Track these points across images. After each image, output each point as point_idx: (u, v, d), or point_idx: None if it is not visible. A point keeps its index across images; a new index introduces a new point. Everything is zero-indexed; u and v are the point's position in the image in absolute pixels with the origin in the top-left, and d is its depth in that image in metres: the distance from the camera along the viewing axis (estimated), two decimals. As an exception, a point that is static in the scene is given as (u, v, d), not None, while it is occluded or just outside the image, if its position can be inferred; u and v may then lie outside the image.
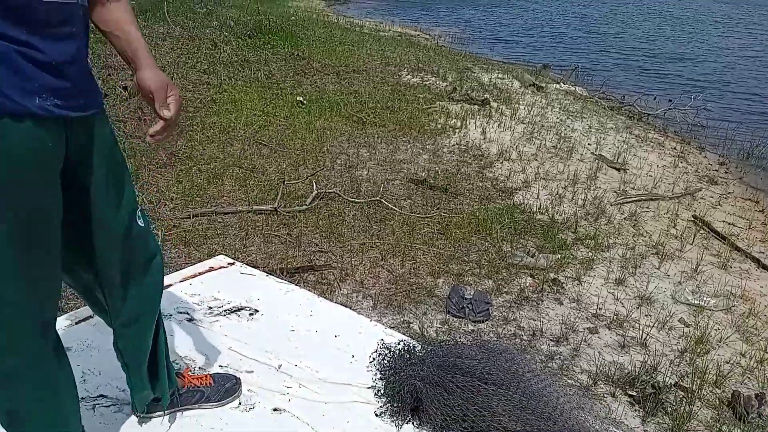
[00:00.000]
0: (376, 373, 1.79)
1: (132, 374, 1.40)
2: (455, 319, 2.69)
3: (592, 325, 2.76)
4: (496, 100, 6.73)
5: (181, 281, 2.25)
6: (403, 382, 1.63)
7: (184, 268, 2.42)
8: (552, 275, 3.17)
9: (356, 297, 2.76)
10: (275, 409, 1.64)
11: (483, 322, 2.69)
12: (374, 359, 1.83)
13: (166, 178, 3.76)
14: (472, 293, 2.86)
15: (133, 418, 1.53)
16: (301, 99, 5.87)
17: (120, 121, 4.50)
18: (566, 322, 2.74)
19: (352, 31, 12.71)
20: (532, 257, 3.30)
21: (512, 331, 2.64)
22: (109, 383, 1.65)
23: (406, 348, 1.84)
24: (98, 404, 1.59)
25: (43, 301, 1.09)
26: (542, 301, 2.93)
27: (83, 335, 1.86)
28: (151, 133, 1.18)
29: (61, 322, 1.89)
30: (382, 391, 1.73)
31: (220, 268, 2.39)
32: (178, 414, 1.56)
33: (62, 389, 1.17)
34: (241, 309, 2.10)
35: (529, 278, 3.14)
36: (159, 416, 1.54)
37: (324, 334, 2.00)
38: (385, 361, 1.81)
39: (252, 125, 4.91)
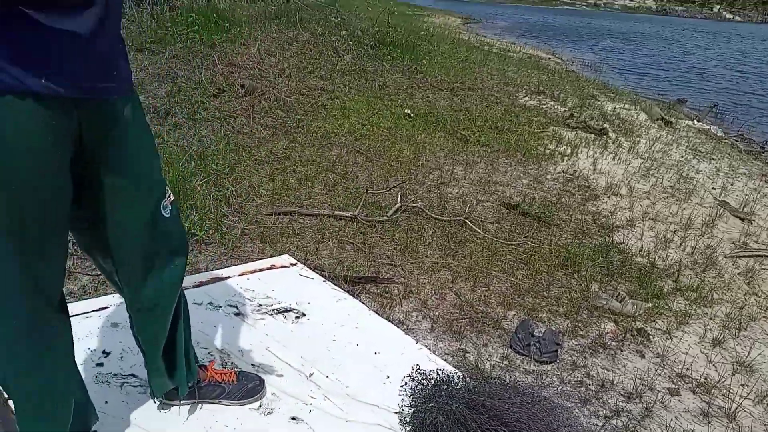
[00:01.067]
0: (404, 399, 1.70)
1: (148, 360, 1.42)
2: (518, 356, 2.51)
3: (673, 386, 2.46)
4: (615, 131, 6.33)
5: (239, 275, 2.29)
6: (426, 414, 1.53)
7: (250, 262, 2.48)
8: (639, 324, 2.87)
9: (416, 316, 2.66)
10: (293, 418, 1.60)
11: (548, 363, 2.49)
12: (406, 383, 1.74)
13: (260, 175, 3.90)
14: (542, 331, 2.66)
15: (154, 403, 1.56)
16: (409, 112, 5.88)
17: (231, 116, 4.75)
18: (644, 378, 2.46)
19: (479, 49, 12.61)
20: (619, 302, 3.02)
21: (579, 378, 2.42)
22: (143, 364, 1.70)
23: (441, 377, 1.73)
24: (127, 383, 1.63)
25: (41, 276, 1.10)
26: (621, 351, 2.66)
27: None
28: None
29: (112, 300, 1.98)
30: (407, 419, 1.63)
31: (281, 267, 2.41)
32: (197, 406, 1.57)
33: (61, 357, 1.20)
34: (289, 311, 2.10)
35: (611, 324, 2.87)
36: (177, 405, 1.56)
37: (365, 348, 1.94)
38: (417, 388, 1.71)
39: (354, 133, 4.97)
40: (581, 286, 3.15)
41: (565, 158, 5.30)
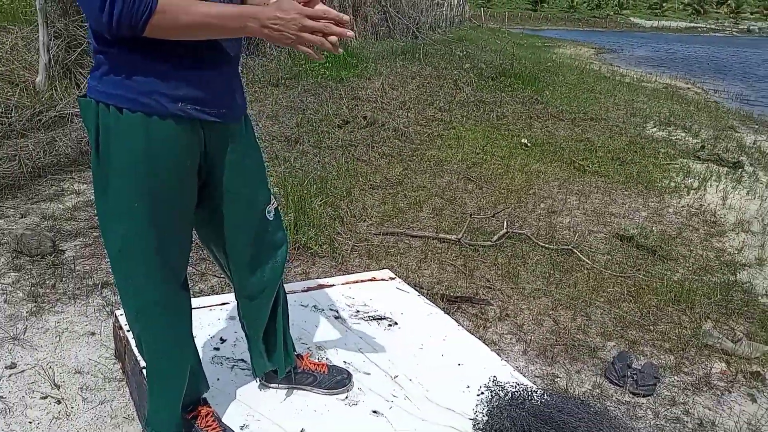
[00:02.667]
0: (480, 407, 1.78)
1: (251, 343, 1.66)
2: (612, 386, 2.47)
3: (788, 436, 2.29)
4: (753, 164, 5.89)
5: (343, 284, 2.51)
6: (494, 420, 1.61)
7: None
8: (755, 368, 2.69)
9: (509, 338, 2.71)
10: (374, 412, 1.75)
11: (644, 396, 2.43)
12: (483, 393, 1.83)
13: (373, 198, 4.16)
14: (641, 364, 2.60)
15: (256, 383, 1.80)
16: (526, 141, 5.90)
17: (352, 145, 5.10)
18: (752, 423, 2.31)
19: (608, 79, 12.24)
20: (734, 342, 2.85)
21: (676, 415, 2.33)
22: (251, 352, 1.95)
23: (518, 390, 1.80)
24: (236, 366, 1.89)
25: (171, 259, 1.38)
26: (729, 393, 2.52)
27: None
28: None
29: (232, 297, 2.28)
30: (480, 426, 1.72)
31: (381, 280, 2.60)
32: (291, 390, 1.78)
33: (183, 326, 1.48)
34: (383, 318, 2.27)
35: (722, 364, 2.71)
36: (275, 387, 1.78)
37: (449, 359, 2.06)
38: (494, 398, 1.80)
39: (467, 161, 5.11)
40: (693, 324, 3.01)
41: (692, 191, 5.03)
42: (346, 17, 1.16)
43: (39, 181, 3.69)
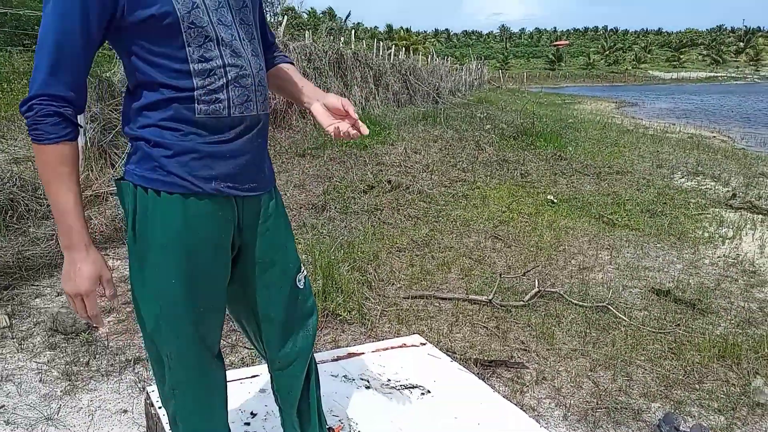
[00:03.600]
0: (521, 479, 1.70)
1: (284, 415, 1.63)
2: (660, 451, 2.34)
3: None
4: (789, 211, 5.74)
5: (373, 351, 2.47)
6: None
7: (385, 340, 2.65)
8: (815, 426, 2.53)
9: (548, 403, 2.61)
10: (411, 487, 1.68)
11: (696, 461, 2.29)
12: (523, 464, 1.75)
13: (401, 261, 4.15)
14: (690, 426, 2.46)
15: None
16: (552, 198, 5.88)
17: (378, 209, 5.14)
18: (818, 489, 2.15)
19: (631, 132, 12.27)
20: (789, 399, 2.69)
21: (733, 481, 2.19)
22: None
23: (559, 460, 1.72)
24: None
25: (207, 333, 1.38)
26: (790, 455, 2.36)
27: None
28: (336, 132, 1.41)
29: (262, 370, 2.26)
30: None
31: (412, 346, 2.56)
32: (325, 465, 1.72)
33: (217, 400, 1.47)
34: (415, 387, 2.21)
35: (778, 423, 2.56)
36: None
37: (486, 428, 1.98)
38: (535, 469, 1.72)
39: (493, 220, 5.10)
40: (741, 380, 2.87)
41: (727, 241, 4.91)
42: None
43: (75, 259, 3.78)
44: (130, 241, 1.30)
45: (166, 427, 1.86)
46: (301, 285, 1.52)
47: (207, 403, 1.44)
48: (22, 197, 4.10)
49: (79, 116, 1.22)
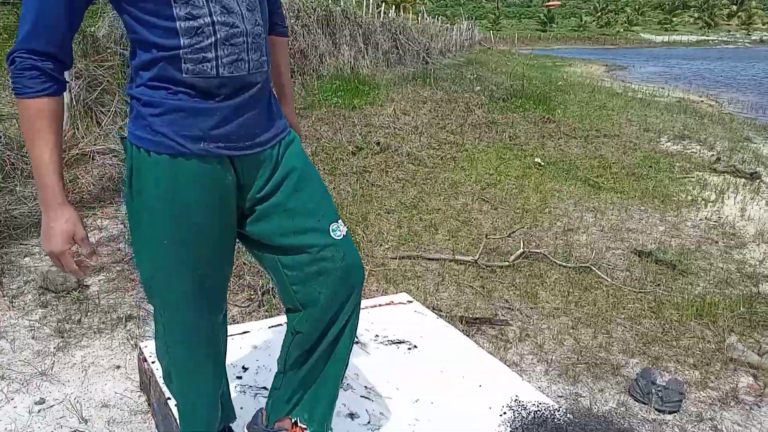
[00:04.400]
0: (502, 427, 1.78)
1: (282, 384, 1.55)
2: (636, 404, 2.44)
3: (821, 450, 2.24)
4: (771, 175, 5.84)
5: (361, 309, 2.53)
6: (517, 440, 1.61)
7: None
8: (784, 381, 2.64)
9: (530, 359, 2.70)
10: (397, 436, 1.76)
11: (670, 413, 2.40)
12: (505, 413, 1.83)
13: (389, 223, 4.19)
14: (666, 380, 2.57)
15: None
16: (539, 160, 5.92)
17: (366, 171, 5.15)
18: (784, 438, 2.27)
19: (620, 96, 12.26)
20: (760, 355, 2.81)
21: (704, 431, 2.30)
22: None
23: (539, 409, 1.80)
24: (259, 394, 1.91)
25: (203, 295, 1.37)
26: (759, 407, 2.47)
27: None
28: None
29: (252, 326, 2.31)
30: (503, 447, 1.72)
31: (399, 303, 2.62)
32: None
33: (216, 357, 1.48)
34: (402, 342, 2.28)
35: (749, 378, 2.67)
36: None
37: (470, 380, 2.06)
38: (516, 418, 1.80)
39: (481, 182, 5.14)
40: (717, 338, 2.97)
41: (709, 204, 5.00)
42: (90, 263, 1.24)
43: (63, 219, 3.78)
44: (128, 197, 1.31)
45: (160, 381, 1.91)
46: (336, 236, 1.40)
47: (201, 362, 1.45)
48: (8, 156, 4.06)
49: (65, 73, 1.21)
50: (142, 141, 1.24)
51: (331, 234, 1.39)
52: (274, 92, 1.52)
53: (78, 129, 4.71)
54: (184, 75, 1.19)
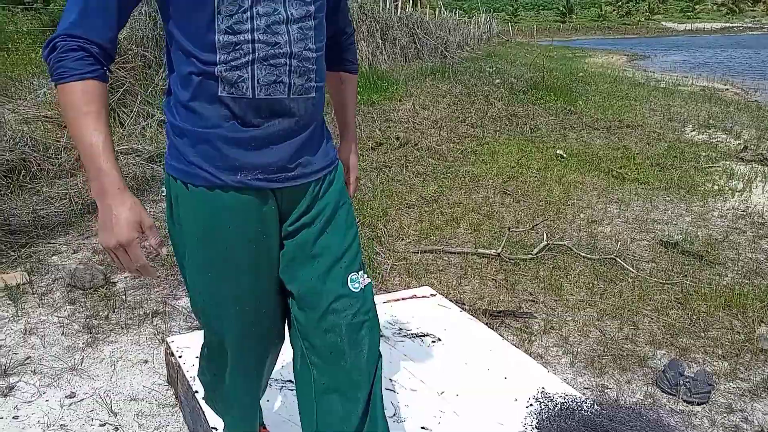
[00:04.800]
0: (529, 419, 1.77)
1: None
2: (664, 395, 2.41)
3: None
4: (801, 162, 5.69)
5: (384, 302, 2.53)
6: (542, 431, 1.60)
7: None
8: (817, 372, 2.58)
9: (555, 351, 2.68)
10: (423, 428, 1.76)
11: (698, 404, 2.36)
12: (531, 404, 1.82)
13: (410, 217, 4.18)
14: (694, 371, 2.53)
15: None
16: (561, 152, 5.86)
17: (386, 166, 5.15)
18: (817, 430, 2.22)
19: (643, 85, 12.07)
20: (792, 346, 2.74)
21: (734, 422, 2.25)
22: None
23: (566, 401, 1.78)
24: (285, 387, 1.92)
25: (252, 326, 1.28)
26: (791, 399, 2.42)
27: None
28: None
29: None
30: (530, 438, 1.71)
31: (422, 297, 2.61)
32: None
33: (254, 387, 1.43)
34: (426, 335, 2.28)
35: (781, 369, 2.62)
36: None
37: (495, 373, 2.05)
38: (543, 409, 1.78)
39: (502, 175, 5.10)
40: (746, 329, 2.92)
41: (737, 194, 4.90)
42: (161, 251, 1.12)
43: (89, 218, 3.84)
44: (170, 226, 1.26)
45: (187, 374, 1.93)
46: (354, 287, 1.27)
47: (246, 389, 1.41)
48: (34, 157, 4.14)
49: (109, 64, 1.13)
50: (178, 172, 1.18)
51: (349, 285, 1.26)
52: (336, 127, 1.52)
53: (102, 129, 4.78)
54: (220, 93, 1.12)
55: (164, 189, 1.25)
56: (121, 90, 5.02)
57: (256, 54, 1.11)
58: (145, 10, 5.48)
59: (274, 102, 1.14)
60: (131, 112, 4.98)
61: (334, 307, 1.24)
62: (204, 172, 1.15)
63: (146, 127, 4.91)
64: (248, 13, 1.09)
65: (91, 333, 2.64)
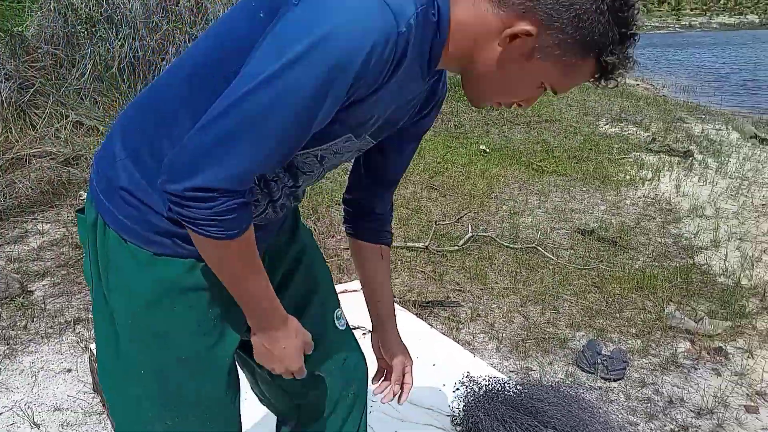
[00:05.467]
0: (456, 403, 1.85)
1: None
2: (584, 374, 2.56)
3: (751, 404, 2.41)
4: (702, 153, 6.15)
5: (315, 299, 2.56)
6: (470, 414, 1.68)
7: (326, 289, 2.74)
8: (718, 344, 2.82)
9: (482, 337, 2.79)
10: (355, 418, 1.80)
11: (615, 380, 2.53)
12: (458, 389, 1.89)
13: (340, 214, 4.20)
14: (610, 350, 2.70)
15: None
16: (484, 147, 6.05)
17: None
18: (719, 395, 2.43)
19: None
20: (696, 322, 2.98)
21: (647, 395, 2.43)
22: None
23: (491, 384, 1.87)
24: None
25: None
26: (695, 370, 2.64)
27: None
28: (378, 392, 1.35)
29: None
30: (458, 421, 1.78)
31: (353, 291, 2.65)
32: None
33: None
34: (357, 328, 2.31)
35: (687, 343, 2.84)
36: None
37: (423, 361, 2.11)
38: (469, 393, 1.86)
39: (428, 171, 5.22)
40: (656, 308, 3.14)
41: (646, 183, 5.23)
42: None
43: (2, 224, 3.64)
44: (94, 279, 1.03)
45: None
46: (340, 326, 1.31)
47: None
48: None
49: None
50: (130, 233, 0.97)
51: (335, 323, 1.28)
52: (371, 318, 1.42)
53: (11, 132, 4.52)
54: None
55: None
56: (32, 90, 4.76)
57: (261, 216, 1.05)
58: (54, 6, 5.21)
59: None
60: (43, 113, 4.73)
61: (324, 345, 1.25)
62: (159, 237, 0.98)
63: (60, 129, 4.68)
64: (295, 174, 1.03)
65: (8, 344, 2.51)
